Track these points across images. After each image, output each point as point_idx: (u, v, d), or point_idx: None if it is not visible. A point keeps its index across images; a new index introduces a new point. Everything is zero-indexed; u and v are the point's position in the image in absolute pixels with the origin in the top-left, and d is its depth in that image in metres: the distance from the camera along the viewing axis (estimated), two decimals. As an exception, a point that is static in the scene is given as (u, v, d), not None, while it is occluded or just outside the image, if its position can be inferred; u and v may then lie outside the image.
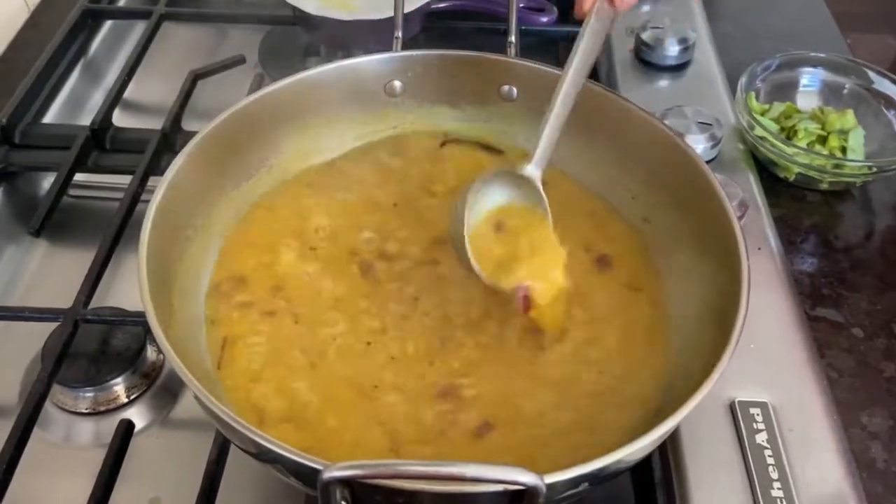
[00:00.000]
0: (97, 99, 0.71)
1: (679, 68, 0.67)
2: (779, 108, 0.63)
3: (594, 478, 0.33)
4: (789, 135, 0.61)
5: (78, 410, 0.50)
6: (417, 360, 0.44)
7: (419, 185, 0.53)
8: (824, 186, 0.60)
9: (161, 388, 0.52)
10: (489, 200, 0.46)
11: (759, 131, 0.59)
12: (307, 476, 0.31)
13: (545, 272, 0.44)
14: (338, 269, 0.48)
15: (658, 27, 0.67)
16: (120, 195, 0.57)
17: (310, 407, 0.41)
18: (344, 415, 0.41)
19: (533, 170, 0.45)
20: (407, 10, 0.58)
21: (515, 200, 0.46)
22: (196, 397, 0.35)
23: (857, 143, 0.60)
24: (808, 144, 0.60)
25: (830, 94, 0.65)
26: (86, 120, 0.64)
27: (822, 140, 0.61)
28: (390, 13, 0.56)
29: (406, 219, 0.51)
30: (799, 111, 0.63)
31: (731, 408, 0.44)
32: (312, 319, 0.45)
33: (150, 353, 0.52)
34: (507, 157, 0.54)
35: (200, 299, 0.45)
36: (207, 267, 0.47)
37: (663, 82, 0.66)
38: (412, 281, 0.47)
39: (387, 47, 0.54)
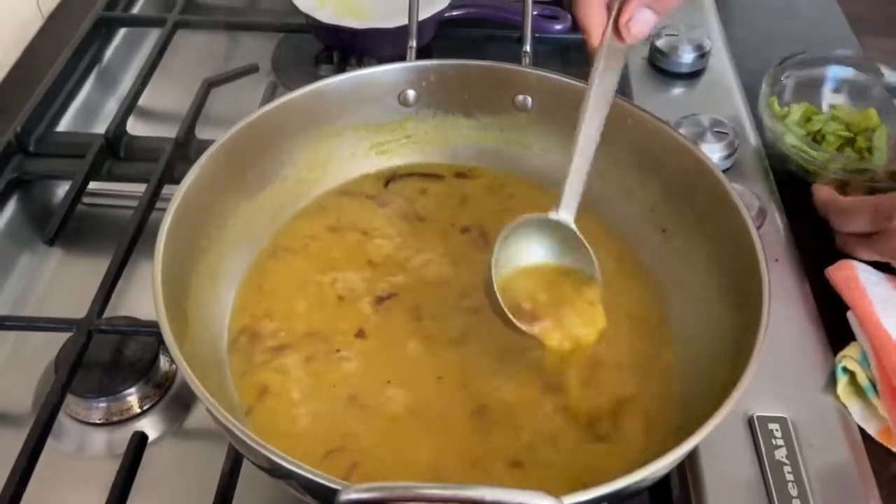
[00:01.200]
0: (111, 107, 0.72)
1: (694, 76, 0.66)
2: (797, 110, 0.61)
3: (614, 498, 0.32)
4: (816, 138, 0.60)
5: (91, 421, 0.50)
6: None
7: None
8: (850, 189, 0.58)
9: (174, 398, 0.52)
10: (528, 252, 0.44)
11: (790, 139, 0.57)
12: (323, 495, 0.31)
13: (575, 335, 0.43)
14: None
15: (673, 34, 0.67)
16: (134, 204, 0.57)
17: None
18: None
19: (567, 217, 0.43)
20: (421, 18, 0.57)
21: (562, 258, 0.44)
22: (209, 411, 0.35)
23: (882, 143, 0.58)
24: (837, 148, 0.59)
25: (849, 93, 0.63)
26: (100, 128, 0.64)
27: (850, 142, 0.60)
28: (404, 21, 0.55)
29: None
30: (817, 112, 0.61)
31: (750, 423, 0.43)
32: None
33: (164, 363, 0.52)
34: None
35: (215, 312, 0.45)
36: (223, 277, 0.47)
37: (678, 90, 0.65)
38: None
39: (400, 56, 0.54)
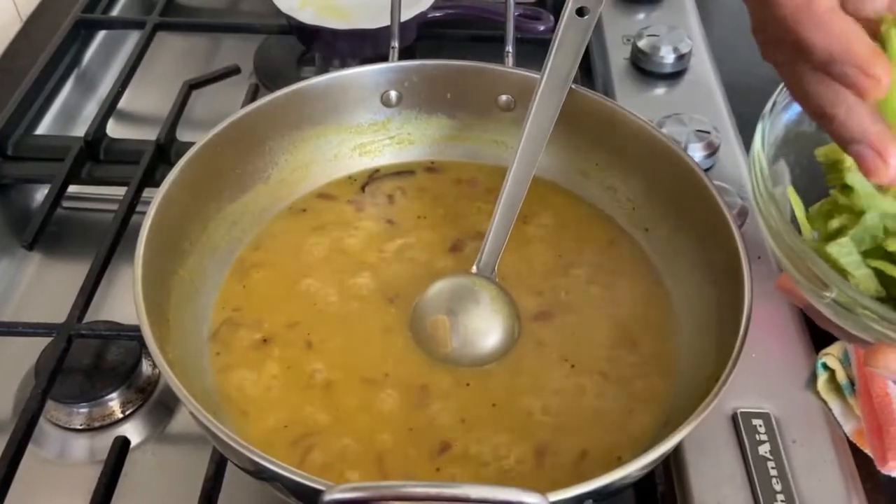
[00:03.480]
0: (91, 110, 0.71)
1: (676, 76, 0.67)
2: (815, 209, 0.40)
3: (599, 494, 0.32)
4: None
5: (72, 427, 0.50)
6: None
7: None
8: None
9: (157, 402, 0.51)
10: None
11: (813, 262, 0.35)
12: (308, 496, 0.31)
13: None
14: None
15: (654, 35, 0.67)
16: (114, 207, 0.57)
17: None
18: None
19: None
20: (403, 18, 0.57)
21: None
22: (192, 415, 0.34)
23: None
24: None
25: None
26: (79, 131, 0.63)
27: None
28: (386, 22, 0.55)
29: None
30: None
31: (734, 419, 0.44)
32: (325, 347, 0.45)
33: (146, 367, 0.52)
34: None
35: (197, 314, 0.45)
36: (204, 279, 0.46)
37: (660, 90, 0.66)
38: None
39: (383, 57, 0.54)
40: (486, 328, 0.44)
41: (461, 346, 0.44)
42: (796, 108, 0.38)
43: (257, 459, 0.32)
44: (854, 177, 0.34)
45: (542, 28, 0.71)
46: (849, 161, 0.34)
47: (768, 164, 0.33)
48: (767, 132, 0.36)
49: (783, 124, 0.39)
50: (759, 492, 0.40)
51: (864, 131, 0.28)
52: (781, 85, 0.34)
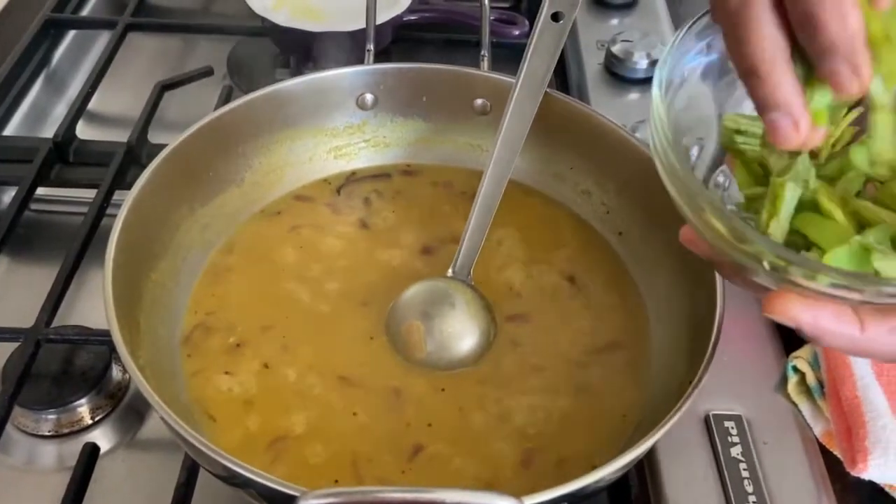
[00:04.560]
0: (60, 111, 0.70)
1: (649, 81, 0.66)
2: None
3: (573, 498, 0.32)
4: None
5: (40, 433, 0.49)
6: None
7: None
8: None
9: (127, 408, 0.50)
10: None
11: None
12: (281, 502, 0.31)
13: None
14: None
15: (627, 41, 0.68)
16: (84, 210, 0.56)
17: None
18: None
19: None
20: (379, 21, 0.57)
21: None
22: (164, 420, 0.34)
23: None
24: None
25: None
26: (48, 132, 0.62)
27: None
28: (361, 25, 0.55)
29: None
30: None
31: (706, 421, 0.44)
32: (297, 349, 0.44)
33: (116, 372, 0.51)
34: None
35: (169, 317, 0.44)
36: (176, 283, 0.46)
37: (634, 95, 0.66)
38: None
39: (359, 59, 0.54)
40: (461, 332, 0.44)
41: (436, 349, 0.44)
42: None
43: (230, 465, 0.32)
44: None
45: (517, 32, 0.72)
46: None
47: (667, 112, 0.33)
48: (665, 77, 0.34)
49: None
50: (731, 493, 0.41)
51: (789, 102, 0.29)
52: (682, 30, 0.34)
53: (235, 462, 0.32)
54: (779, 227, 0.30)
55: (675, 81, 0.34)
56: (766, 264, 0.29)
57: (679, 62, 0.34)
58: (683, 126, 0.35)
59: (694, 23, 0.34)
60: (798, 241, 0.30)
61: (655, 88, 0.32)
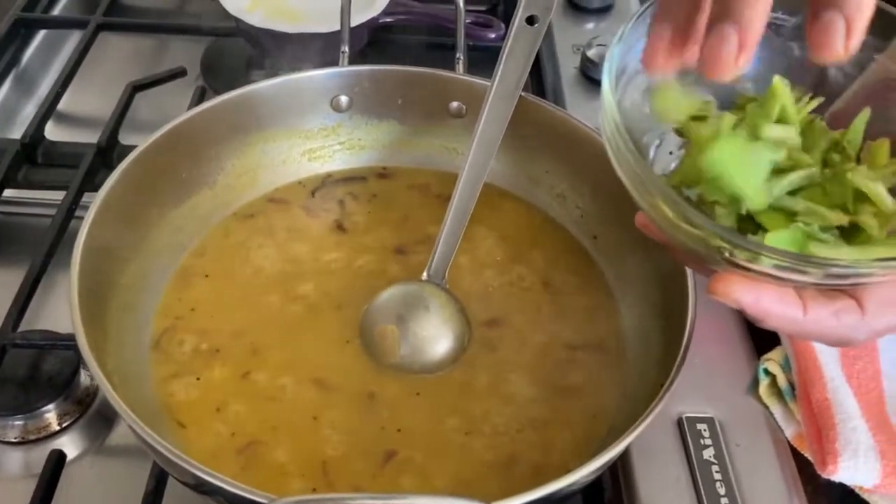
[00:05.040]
0: (29, 111, 0.68)
1: (624, 85, 0.67)
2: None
3: (546, 502, 0.32)
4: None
5: (6, 440, 0.47)
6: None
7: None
8: None
9: (95, 414, 0.49)
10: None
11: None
12: (250, 509, 0.30)
13: None
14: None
15: (603, 45, 0.68)
16: (52, 212, 0.55)
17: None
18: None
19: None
20: (354, 23, 0.57)
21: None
22: (131, 427, 0.33)
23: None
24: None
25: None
26: (16, 133, 0.61)
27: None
28: (337, 26, 0.55)
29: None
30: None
31: (679, 424, 0.44)
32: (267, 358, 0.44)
33: (84, 378, 0.50)
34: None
35: (137, 322, 0.44)
36: (145, 286, 0.45)
37: (609, 99, 0.67)
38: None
39: (334, 61, 0.53)
40: (435, 336, 0.44)
41: (411, 353, 0.43)
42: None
43: (198, 473, 0.31)
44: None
45: (492, 36, 0.72)
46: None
47: (616, 100, 0.33)
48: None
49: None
50: (703, 495, 0.41)
51: (753, 24, 0.28)
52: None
53: (203, 469, 0.31)
54: (727, 213, 0.31)
55: (628, 69, 0.34)
56: (714, 247, 0.29)
57: (630, 50, 0.34)
58: (641, 116, 0.35)
59: (644, 10, 0.34)
60: (748, 227, 0.31)
61: (605, 77, 0.33)
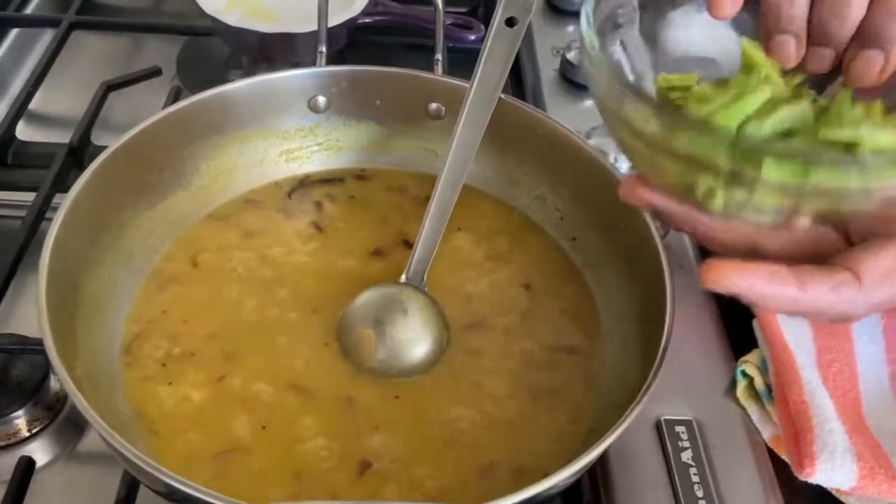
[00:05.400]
0: (0, 111, 0.67)
1: (604, 88, 0.67)
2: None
3: (525, 507, 0.32)
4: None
5: (-26, 447, 0.46)
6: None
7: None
8: None
9: (66, 420, 0.48)
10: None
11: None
12: (222, 518, 0.30)
13: None
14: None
15: (582, 47, 0.68)
16: (23, 213, 0.54)
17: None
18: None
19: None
20: (331, 24, 0.57)
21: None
22: (100, 435, 0.33)
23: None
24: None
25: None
26: (-14, 133, 0.60)
27: None
28: (314, 26, 0.54)
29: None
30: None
31: (658, 426, 0.44)
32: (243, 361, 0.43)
33: (54, 383, 0.49)
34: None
35: (108, 326, 0.43)
36: (117, 290, 0.44)
37: (589, 102, 0.67)
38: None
39: (312, 61, 0.53)
40: (413, 339, 0.44)
41: (388, 357, 0.43)
42: None
43: (169, 481, 0.31)
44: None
45: (472, 37, 0.72)
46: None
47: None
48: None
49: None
50: (681, 497, 0.41)
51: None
52: None
53: (176, 478, 0.31)
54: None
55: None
56: (712, 169, 0.28)
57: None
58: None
59: None
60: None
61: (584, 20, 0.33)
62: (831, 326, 0.47)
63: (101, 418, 0.33)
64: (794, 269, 0.30)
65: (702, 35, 0.38)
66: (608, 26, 0.36)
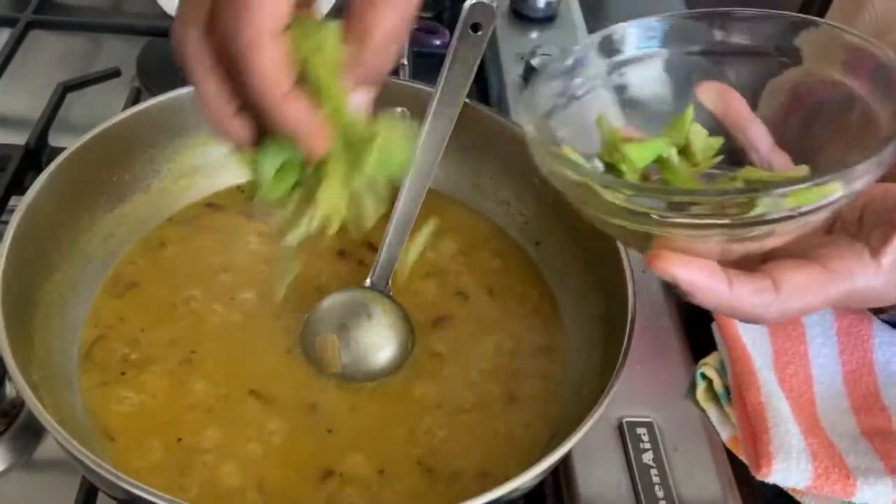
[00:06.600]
0: (-47, 111, 0.66)
1: (567, 94, 0.68)
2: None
3: (489, 509, 0.32)
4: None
5: (-75, 456, 0.45)
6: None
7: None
8: None
9: (22, 427, 0.47)
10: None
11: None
12: (183, 525, 0.29)
13: None
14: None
15: (546, 54, 0.69)
16: (-24, 216, 0.52)
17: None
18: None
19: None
20: (296, 27, 0.56)
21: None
22: (58, 441, 0.32)
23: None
24: None
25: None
26: (-62, 133, 0.59)
27: None
28: (278, 30, 0.54)
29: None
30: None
31: (620, 428, 0.45)
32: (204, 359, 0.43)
33: (10, 389, 0.48)
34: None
35: (66, 331, 0.42)
36: (75, 295, 0.44)
37: (553, 107, 0.67)
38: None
39: (275, 65, 0.52)
40: (378, 343, 0.44)
41: (353, 362, 0.43)
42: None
43: (128, 487, 0.30)
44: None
45: (438, 42, 0.72)
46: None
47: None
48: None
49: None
50: (642, 498, 0.41)
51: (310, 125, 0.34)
52: None
53: (135, 484, 0.30)
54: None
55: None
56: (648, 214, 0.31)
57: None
58: None
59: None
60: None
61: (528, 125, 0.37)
62: (787, 329, 0.49)
63: (58, 424, 0.32)
64: (726, 269, 0.33)
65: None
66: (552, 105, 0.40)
